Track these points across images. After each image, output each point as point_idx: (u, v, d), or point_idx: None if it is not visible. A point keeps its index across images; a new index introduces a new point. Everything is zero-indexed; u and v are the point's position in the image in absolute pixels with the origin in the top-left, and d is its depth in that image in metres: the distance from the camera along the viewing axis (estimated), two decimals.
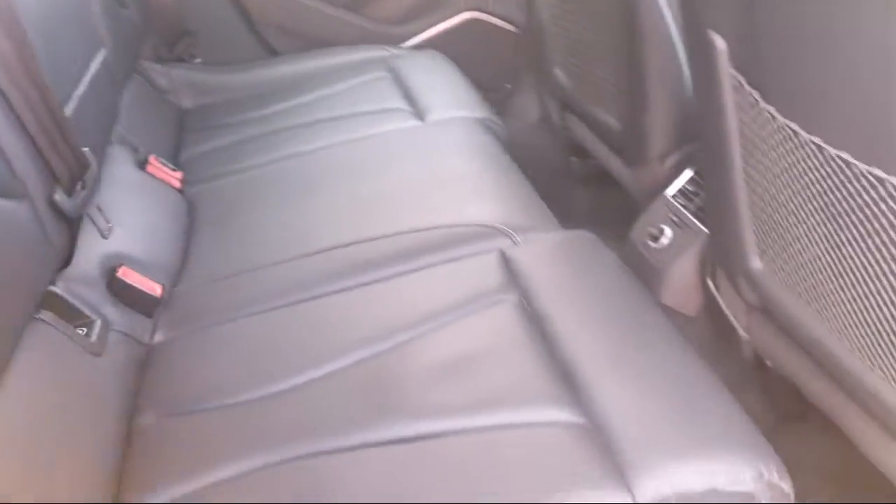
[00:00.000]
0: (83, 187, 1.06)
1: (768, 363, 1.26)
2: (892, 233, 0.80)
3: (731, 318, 1.26)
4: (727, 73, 1.01)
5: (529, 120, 2.17)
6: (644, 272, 1.40)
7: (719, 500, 0.80)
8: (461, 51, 2.05)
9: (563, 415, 0.88)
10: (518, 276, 1.11)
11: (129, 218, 1.24)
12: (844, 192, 0.84)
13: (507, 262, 1.14)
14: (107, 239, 1.14)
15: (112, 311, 1.09)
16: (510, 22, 2.14)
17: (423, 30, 2.11)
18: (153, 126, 1.69)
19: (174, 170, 1.51)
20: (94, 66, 1.32)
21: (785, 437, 1.33)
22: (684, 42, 1.35)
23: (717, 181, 1.15)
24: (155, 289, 1.15)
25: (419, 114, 1.66)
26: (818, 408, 1.11)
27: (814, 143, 0.87)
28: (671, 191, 1.48)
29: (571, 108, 1.85)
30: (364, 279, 1.16)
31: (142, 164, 1.44)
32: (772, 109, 0.94)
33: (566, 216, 1.42)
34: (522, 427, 0.87)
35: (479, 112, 1.68)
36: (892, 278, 0.83)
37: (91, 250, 1.12)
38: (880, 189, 0.79)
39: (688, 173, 1.48)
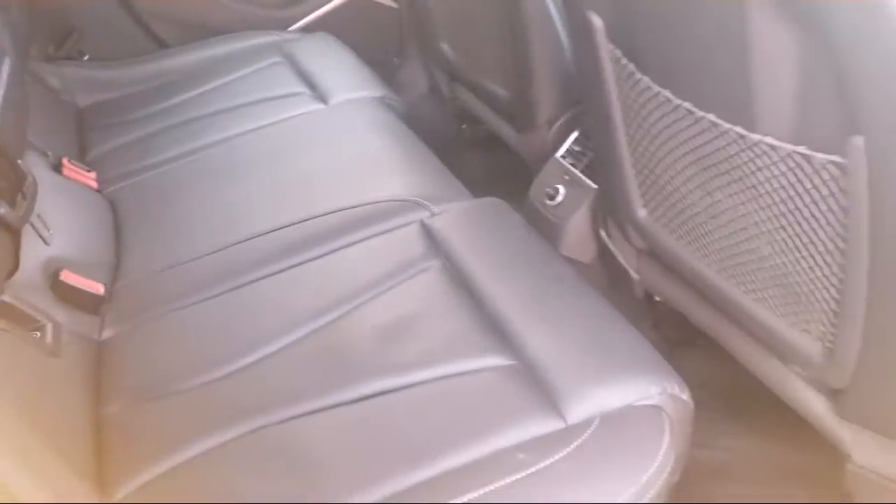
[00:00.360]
0: (24, 198, 1.10)
1: (658, 298, 1.39)
2: (752, 178, 0.94)
3: (623, 262, 1.39)
4: (606, 48, 1.12)
5: (419, 91, 2.23)
6: (544, 228, 1.52)
7: (635, 414, 0.94)
8: (346, 30, 2.08)
9: (497, 360, 1.00)
10: (440, 244, 1.21)
11: (61, 222, 1.26)
12: (713, 147, 0.98)
13: (427, 232, 1.24)
14: (49, 245, 1.18)
15: (60, 314, 1.12)
16: None
17: (309, 12, 2.13)
18: (54, 128, 1.68)
19: (88, 171, 1.52)
20: (4, 75, 1.33)
21: (678, 362, 1.46)
22: (564, 19, 1.47)
23: (602, 143, 1.26)
24: (97, 288, 1.20)
25: (321, 97, 1.71)
26: (705, 333, 1.25)
27: (685, 107, 1.01)
28: (560, 152, 1.60)
29: (460, 79, 1.93)
30: (298, 259, 1.23)
31: (56, 168, 1.45)
32: (647, 79, 1.06)
33: (462, 182, 1.49)
34: (465, 375, 0.98)
35: (378, 91, 1.75)
36: (756, 215, 0.97)
37: (33, 257, 1.15)
38: (742, 143, 0.93)
39: (574, 134, 1.60)
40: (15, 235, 1.08)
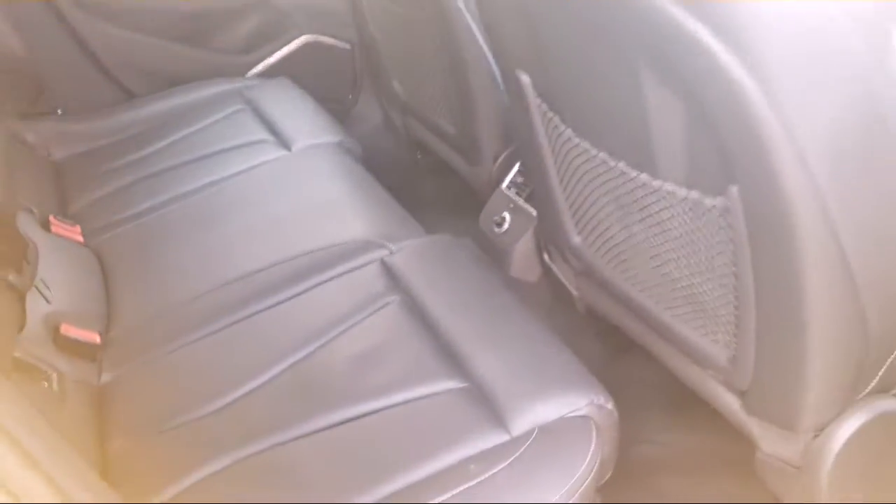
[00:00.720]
0: (27, 263, 1.22)
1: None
2: (659, 216, 1.09)
3: (564, 281, 1.52)
4: (534, 101, 1.26)
5: (374, 125, 2.37)
6: (493, 253, 1.67)
7: (567, 424, 1.08)
8: (304, 72, 2.22)
9: (452, 383, 1.14)
10: (398, 280, 1.34)
11: (57, 279, 1.37)
12: (626, 190, 1.12)
13: (387, 270, 1.37)
14: (50, 304, 1.30)
15: (62, 363, 1.23)
16: (344, 40, 2.32)
17: (266, 57, 2.25)
18: (36, 184, 1.77)
19: (73, 225, 1.62)
20: None
21: (618, 365, 1.62)
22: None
23: (538, 182, 1.40)
24: (94, 337, 1.31)
25: (285, 143, 1.81)
26: (639, 342, 1.37)
27: (601, 156, 1.16)
28: (505, 183, 1.75)
29: (412, 114, 2.07)
30: (273, 300, 1.36)
31: (45, 226, 1.55)
32: (570, 131, 1.20)
33: (418, 209, 1.62)
34: (424, 398, 1.12)
35: (336, 136, 1.86)
36: (666, 245, 1.11)
37: (36, 314, 1.26)
38: (648, 188, 1.07)
39: (517, 167, 1.75)
40: (22, 298, 1.20)
